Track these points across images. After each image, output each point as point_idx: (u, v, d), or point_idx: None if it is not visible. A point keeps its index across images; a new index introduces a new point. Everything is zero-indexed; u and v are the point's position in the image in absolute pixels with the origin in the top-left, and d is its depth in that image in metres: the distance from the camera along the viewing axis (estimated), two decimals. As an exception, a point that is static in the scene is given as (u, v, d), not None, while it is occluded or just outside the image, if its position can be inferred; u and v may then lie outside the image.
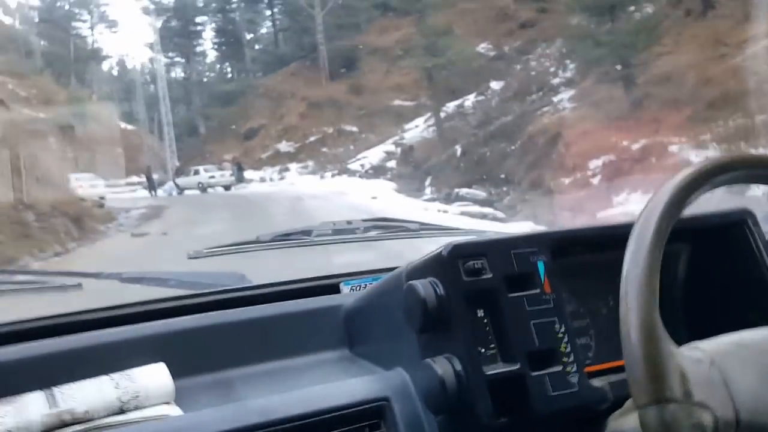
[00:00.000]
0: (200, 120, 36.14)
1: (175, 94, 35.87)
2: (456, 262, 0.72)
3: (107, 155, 23.25)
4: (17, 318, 0.88)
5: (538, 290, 0.74)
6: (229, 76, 39.69)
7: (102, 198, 15.70)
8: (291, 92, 30.11)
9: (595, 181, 11.67)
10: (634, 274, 0.57)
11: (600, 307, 0.84)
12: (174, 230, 8.28)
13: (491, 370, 0.70)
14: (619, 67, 13.51)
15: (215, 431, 0.70)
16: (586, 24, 14.22)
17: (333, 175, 22.16)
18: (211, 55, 41.97)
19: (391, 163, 21.46)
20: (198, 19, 39.35)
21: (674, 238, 0.61)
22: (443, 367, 0.70)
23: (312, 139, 27.44)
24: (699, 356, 0.58)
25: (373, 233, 1.29)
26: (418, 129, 23.39)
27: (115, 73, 42.76)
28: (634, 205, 9.99)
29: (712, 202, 0.76)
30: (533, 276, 0.74)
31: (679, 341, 0.59)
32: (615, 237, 0.67)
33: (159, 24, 35.63)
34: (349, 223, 1.30)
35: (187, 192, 23.53)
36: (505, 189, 14.52)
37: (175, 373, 0.80)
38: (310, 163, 26.22)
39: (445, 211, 10.59)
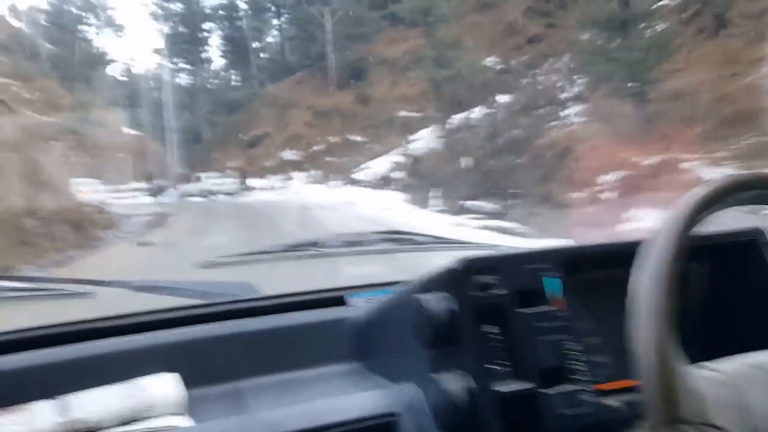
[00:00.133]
0: (205, 127, 36.13)
1: (180, 100, 35.88)
2: (468, 277, 0.71)
3: (110, 160, 23.16)
4: (29, 325, 0.88)
5: (550, 307, 0.73)
6: (235, 83, 39.72)
7: (104, 204, 15.54)
8: (297, 101, 30.10)
9: (606, 196, 11.54)
10: (647, 293, 0.56)
11: (614, 324, 0.82)
12: (180, 240, 8.08)
13: (503, 388, 0.69)
14: (630, 83, 13.44)
15: None
16: (597, 40, 14.17)
17: (339, 185, 22.04)
18: (218, 62, 42.11)
19: (397, 174, 21.39)
20: (205, 26, 39.49)
21: (688, 254, 0.60)
22: (455, 383, 0.69)
23: (317, 148, 27.39)
24: (716, 377, 0.58)
25: (383, 246, 1.28)
26: (423, 140, 23.36)
27: (120, 77, 42.82)
28: (645, 222, 9.86)
29: (725, 220, 0.73)
30: (546, 292, 0.74)
31: (693, 361, 0.58)
32: (629, 253, 0.66)
33: (166, 29, 35.67)
34: (359, 235, 1.31)
35: (190, 199, 23.39)
36: (512, 202, 14.41)
37: (186, 383, 0.80)
38: (315, 173, 26.16)
39: (460, 225, 10.30)
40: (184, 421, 0.76)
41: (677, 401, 0.54)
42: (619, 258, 0.76)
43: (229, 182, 23.66)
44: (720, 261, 0.86)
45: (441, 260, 0.75)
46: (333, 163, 25.88)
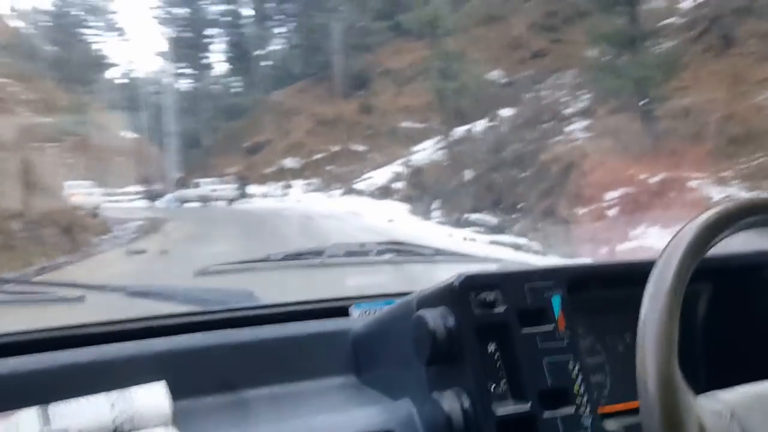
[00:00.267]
0: (205, 132, 36.03)
1: (180, 104, 35.78)
2: (468, 294, 0.70)
3: (107, 163, 22.98)
4: (15, 329, 0.85)
5: (552, 326, 0.72)
6: (237, 89, 39.67)
7: (97, 207, 15.26)
8: (299, 109, 30.04)
9: (611, 213, 11.41)
10: (652, 320, 0.56)
11: (616, 344, 0.83)
12: (175, 248, 7.79)
13: (501, 409, 0.68)
14: (637, 99, 13.39)
15: None
16: (605, 55, 14.15)
17: (341, 194, 21.90)
18: (220, 68, 42.07)
19: (398, 185, 21.30)
20: (209, 31, 39.49)
21: (695, 277, 0.60)
22: (451, 403, 0.68)
23: (318, 156, 27.29)
24: (719, 408, 0.57)
25: (386, 257, 1.27)
26: (426, 152, 23.34)
27: (120, 80, 42.79)
28: (651, 239, 9.71)
29: (734, 243, 0.69)
30: (547, 311, 0.73)
31: (697, 386, 0.58)
32: (633, 273, 0.67)
33: (170, 33, 35.62)
34: (362, 245, 1.29)
35: (188, 205, 23.14)
36: (515, 216, 14.30)
37: (178, 394, 0.77)
38: (315, 181, 26.08)
39: (473, 239, 10.03)
40: None
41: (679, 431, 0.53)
42: (621, 278, 0.79)
43: (229, 188, 23.40)
44: (728, 283, 0.85)
45: (443, 272, 0.75)
46: (334, 171, 25.79)
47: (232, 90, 40.10)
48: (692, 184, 10.75)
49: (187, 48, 37.99)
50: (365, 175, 23.16)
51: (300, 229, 10.99)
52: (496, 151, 18.06)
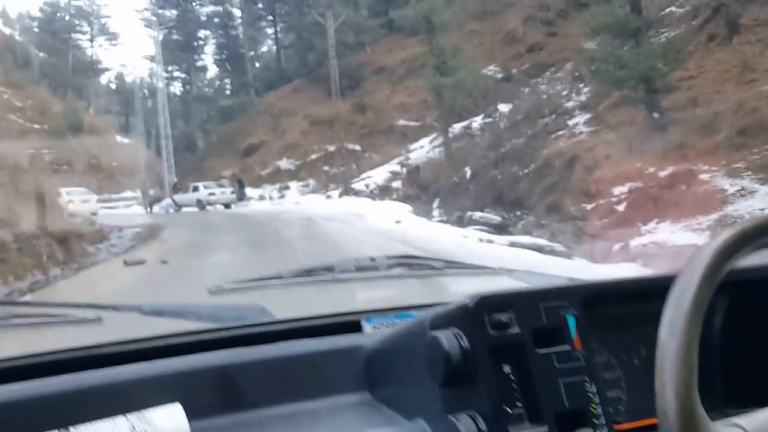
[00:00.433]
0: (199, 135, 35.72)
1: (174, 107, 35.45)
2: (482, 315, 0.70)
3: (102, 169, 22.62)
4: (32, 352, 0.86)
5: (568, 346, 0.72)
6: (231, 91, 39.32)
7: (94, 214, 14.91)
8: (293, 109, 29.75)
9: (621, 208, 11.12)
10: (671, 346, 0.55)
11: (632, 358, 0.83)
12: (175, 258, 7.41)
13: None
14: (642, 90, 13.12)
15: None
16: (608, 46, 13.88)
17: (339, 195, 21.59)
18: (212, 70, 41.71)
19: (396, 184, 21.03)
20: (200, 33, 39.11)
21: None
22: (467, 426, 0.67)
23: (314, 156, 27.02)
24: None
25: (396, 271, 1.29)
26: (423, 150, 23.11)
27: (113, 85, 42.36)
28: (663, 234, 9.43)
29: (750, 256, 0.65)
30: (563, 331, 0.72)
31: (715, 403, 0.58)
32: (648, 289, 0.67)
33: (160, 36, 35.21)
34: (372, 260, 1.31)
35: (185, 209, 22.76)
36: (519, 213, 14.03)
37: (193, 413, 0.76)
38: (311, 182, 25.83)
39: (490, 241, 9.68)
40: None
41: None
42: (636, 294, 0.80)
43: (227, 192, 23.01)
44: (747, 296, 0.85)
45: (454, 285, 0.80)
46: (330, 172, 25.52)
47: (226, 92, 39.76)
48: (703, 176, 10.48)
49: (179, 51, 37.63)
50: (363, 175, 22.90)
51: (303, 233, 10.59)
52: (496, 148, 17.76)
